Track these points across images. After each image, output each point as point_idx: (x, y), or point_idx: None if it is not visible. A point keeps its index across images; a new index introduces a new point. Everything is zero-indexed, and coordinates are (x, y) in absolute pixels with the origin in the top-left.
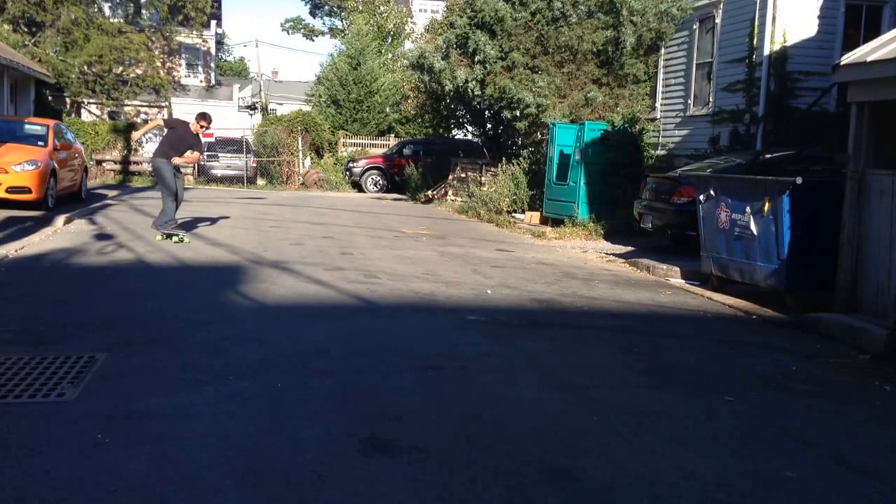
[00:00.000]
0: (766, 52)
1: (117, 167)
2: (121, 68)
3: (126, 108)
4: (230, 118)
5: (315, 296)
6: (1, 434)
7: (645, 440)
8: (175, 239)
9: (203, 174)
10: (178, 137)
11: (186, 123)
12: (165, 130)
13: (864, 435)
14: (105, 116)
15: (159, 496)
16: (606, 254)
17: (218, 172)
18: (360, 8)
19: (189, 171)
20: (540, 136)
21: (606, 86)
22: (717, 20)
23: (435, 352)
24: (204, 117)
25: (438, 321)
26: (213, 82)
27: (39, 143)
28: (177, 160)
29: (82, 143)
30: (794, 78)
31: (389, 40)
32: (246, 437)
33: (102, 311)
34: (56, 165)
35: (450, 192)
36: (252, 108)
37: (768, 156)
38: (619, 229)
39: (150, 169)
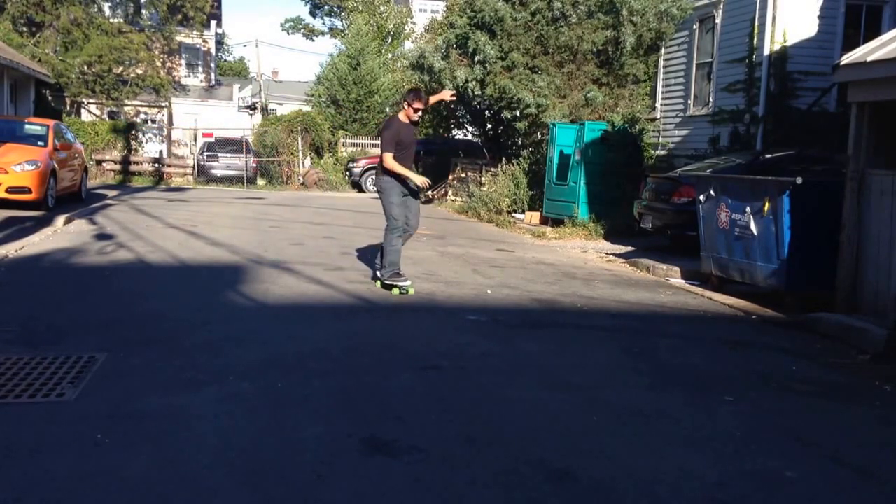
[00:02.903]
0: (766, 52)
1: (117, 167)
2: (121, 68)
3: (126, 108)
4: (230, 118)
5: (315, 296)
6: (1, 434)
7: (645, 440)
8: (396, 291)
9: (203, 174)
10: (407, 139)
11: (395, 117)
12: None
13: (864, 435)
14: (105, 116)
15: (159, 496)
16: (606, 254)
17: (218, 172)
18: (360, 8)
19: (189, 170)
20: (540, 136)
21: (606, 86)
22: (717, 20)
23: (435, 352)
24: (418, 96)
25: (438, 321)
26: (213, 82)
27: (39, 143)
28: (416, 179)
29: (82, 143)
30: (794, 78)
31: (389, 40)
32: (246, 437)
33: (102, 312)
34: (56, 165)
35: (450, 192)
36: (252, 108)
37: (768, 156)
38: (619, 229)
39: (150, 168)
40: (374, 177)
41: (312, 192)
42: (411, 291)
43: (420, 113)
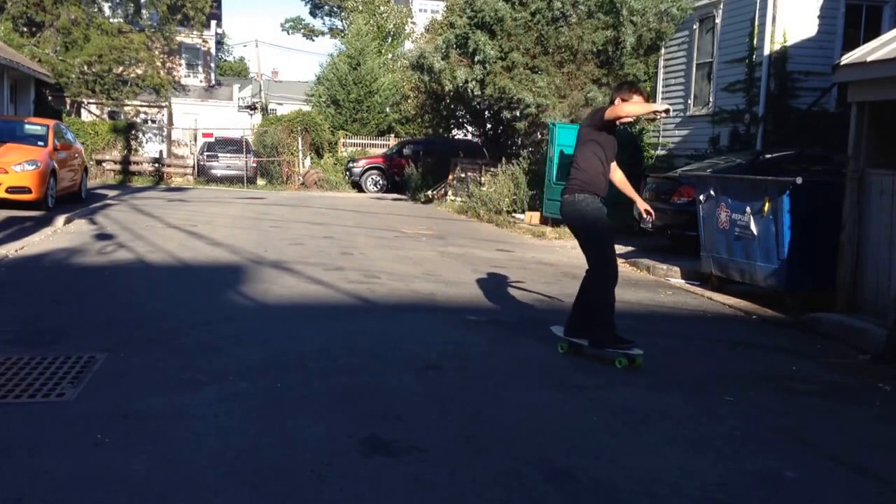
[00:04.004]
0: (766, 52)
1: (117, 167)
2: (121, 68)
3: (126, 108)
4: (230, 118)
5: (315, 296)
6: (1, 434)
7: (645, 440)
8: (622, 361)
9: (203, 174)
10: (611, 146)
11: (604, 110)
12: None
13: (864, 435)
14: (105, 116)
15: (159, 496)
16: None
17: (218, 172)
18: (360, 8)
19: (189, 170)
20: (540, 136)
21: (606, 86)
22: (717, 20)
23: (435, 352)
24: (635, 88)
25: (438, 321)
26: (213, 82)
27: (39, 143)
28: (641, 203)
29: (82, 143)
30: (794, 78)
31: (389, 40)
32: (246, 437)
33: (102, 312)
34: (56, 165)
35: (450, 192)
36: (252, 108)
37: (768, 156)
38: (619, 229)
39: (150, 168)
40: (373, 177)
41: (312, 192)
42: (639, 361)
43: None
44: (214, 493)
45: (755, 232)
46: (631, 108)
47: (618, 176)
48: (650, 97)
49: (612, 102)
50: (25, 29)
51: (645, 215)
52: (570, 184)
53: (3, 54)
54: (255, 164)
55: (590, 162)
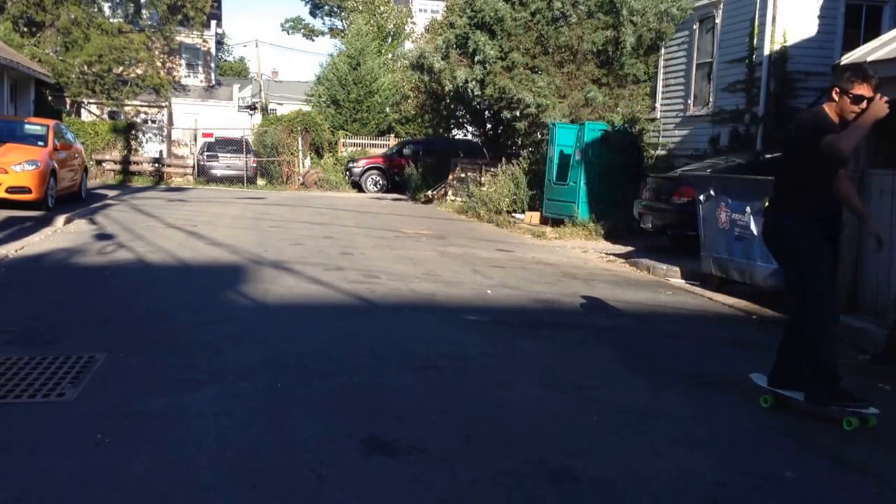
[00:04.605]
0: (766, 52)
1: (117, 167)
2: (121, 68)
3: (126, 108)
4: (230, 118)
5: (315, 296)
6: (1, 434)
7: (645, 440)
8: (853, 422)
9: (203, 174)
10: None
11: (823, 113)
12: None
13: (863, 435)
14: (105, 116)
15: (159, 496)
16: (606, 254)
17: (218, 172)
18: (360, 8)
19: (189, 170)
20: (540, 136)
21: (606, 86)
22: (717, 20)
23: (435, 352)
24: (862, 75)
25: (438, 321)
26: (213, 82)
27: (39, 143)
28: (872, 227)
29: (82, 143)
30: (794, 78)
31: (389, 40)
32: (246, 437)
33: (102, 312)
34: (56, 165)
35: (450, 192)
36: (252, 108)
37: (768, 156)
38: (619, 229)
39: (150, 168)
40: (373, 177)
41: (312, 192)
42: (873, 421)
43: (864, 104)
44: (214, 493)
45: (755, 232)
46: (849, 142)
47: (842, 188)
48: (651, 97)
49: (829, 95)
50: (25, 29)
51: (875, 243)
52: (776, 203)
53: (3, 54)
54: (255, 164)
55: (802, 177)
